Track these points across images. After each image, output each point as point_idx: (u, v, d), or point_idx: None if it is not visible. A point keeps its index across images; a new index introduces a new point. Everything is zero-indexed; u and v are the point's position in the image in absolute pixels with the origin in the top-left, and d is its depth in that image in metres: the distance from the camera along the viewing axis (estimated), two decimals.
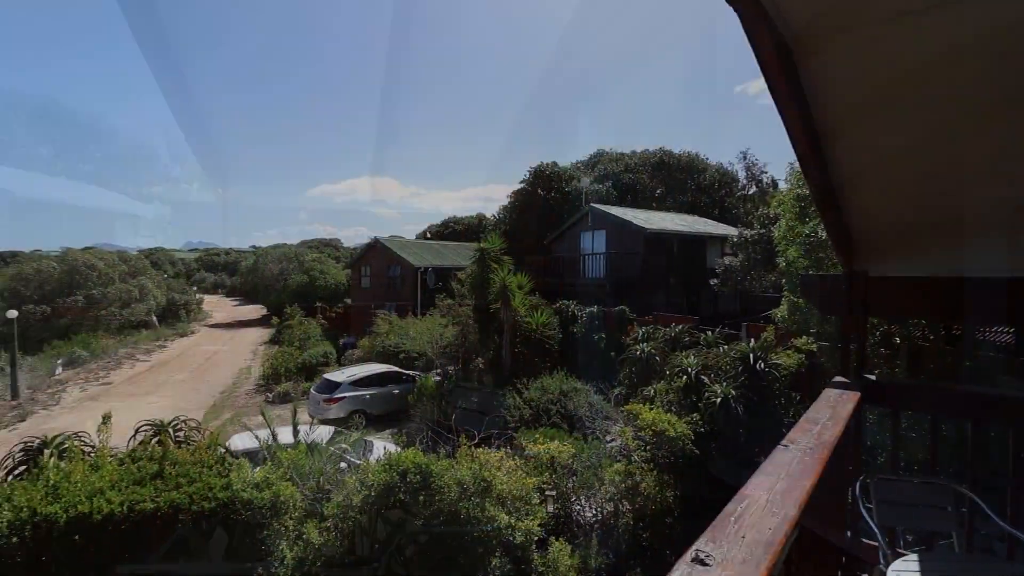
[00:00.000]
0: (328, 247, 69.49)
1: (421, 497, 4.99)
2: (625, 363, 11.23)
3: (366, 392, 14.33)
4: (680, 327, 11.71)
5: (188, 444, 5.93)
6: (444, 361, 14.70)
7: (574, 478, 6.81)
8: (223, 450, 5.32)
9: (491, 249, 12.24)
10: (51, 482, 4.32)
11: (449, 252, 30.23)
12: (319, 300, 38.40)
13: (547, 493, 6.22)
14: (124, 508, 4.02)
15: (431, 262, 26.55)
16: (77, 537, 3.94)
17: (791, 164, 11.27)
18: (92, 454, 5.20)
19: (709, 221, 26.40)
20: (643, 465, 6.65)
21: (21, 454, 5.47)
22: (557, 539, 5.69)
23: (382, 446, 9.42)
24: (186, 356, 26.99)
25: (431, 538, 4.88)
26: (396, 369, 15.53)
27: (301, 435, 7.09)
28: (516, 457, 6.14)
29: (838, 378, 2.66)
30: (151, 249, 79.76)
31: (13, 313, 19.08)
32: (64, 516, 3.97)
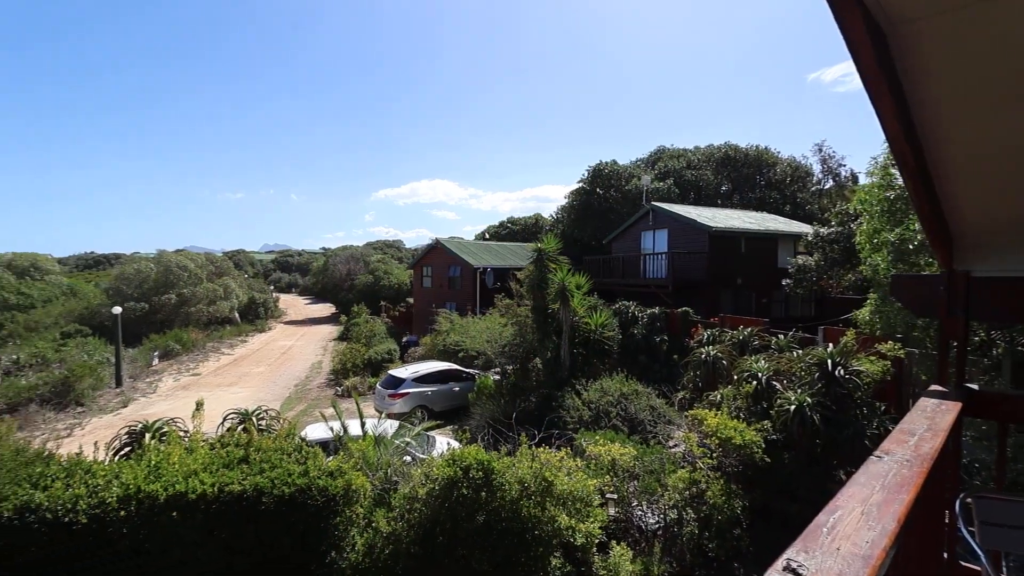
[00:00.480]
0: (391, 248, 72.04)
1: (483, 493, 5.07)
2: (689, 366, 10.87)
3: (428, 389, 14.75)
4: (749, 330, 11.17)
5: (269, 432, 6.37)
6: (503, 360, 14.84)
7: (635, 482, 6.67)
8: (300, 439, 5.66)
9: (549, 250, 12.22)
10: (152, 463, 4.79)
11: (507, 252, 30.47)
12: (383, 299, 39.92)
13: (608, 496, 6.13)
14: (215, 489, 4.37)
15: (489, 262, 26.87)
16: (175, 514, 4.34)
17: (874, 158, 10.42)
18: (187, 439, 5.71)
19: (780, 218, 24.98)
20: (709, 473, 6.41)
21: (127, 436, 6.10)
22: (618, 543, 5.61)
23: (444, 441, 9.67)
24: (264, 350, 28.92)
25: (492, 534, 4.95)
26: (457, 367, 15.88)
27: (369, 428, 7.41)
28: (576, 458, 6.11)
29: (935, 387, 2.45)
30: (233, 251, 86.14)
31: (117, 309, 21.24)
32: (164, 494, 4.38)
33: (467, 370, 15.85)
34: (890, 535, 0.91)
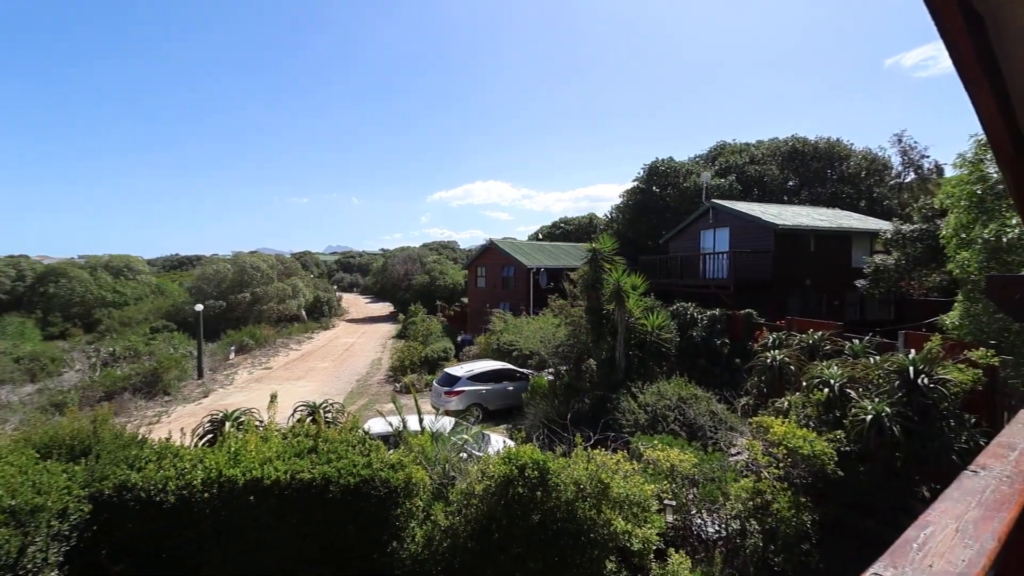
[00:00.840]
0: (446, 249, 73.37)
1: (538, 493, 5.10)
2: (753, 371, 10.40)
3: (483, 387, 14.95)
4: (820, 334, 10.55)
5: (335, 424, 6.70)
6: (557, 361, 14.81)
7: (695, 489, 6.47)
8: (363, 432, 5.92)
9: (604, 250, 12.07)
10: (232, 449, 5.16)
11: (560, 253, 30.34)
12: (439, 298, 40.82)
13: (666, 502, 5.99)
14: (288, 476, 4.66)
15: (543, 263, 26.87)
16: (252, 497, 4.65)
17: (960, 154, 9.52)
18: (262, 428, 6.11)
19: (854, 215, 23.36)
20: (775, 483, 6.11)
21: (209, 424, 6.61)
22: (676, 551, 5.47)
23: (499, 440, 9.79)
24: (328, 347, 30.36)
25: (547, 534, 4.96)
26: (511, 366, 16.00)
27: (427, 424, 7.63)
28: (633, 462, 6.00)
29: None
30: (300, 252, 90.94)
31: (199, 307, 22.98)
32: (242, 479, 4.71)
33: (521, 370, 15.94)
34: (989, 554, 0.85)
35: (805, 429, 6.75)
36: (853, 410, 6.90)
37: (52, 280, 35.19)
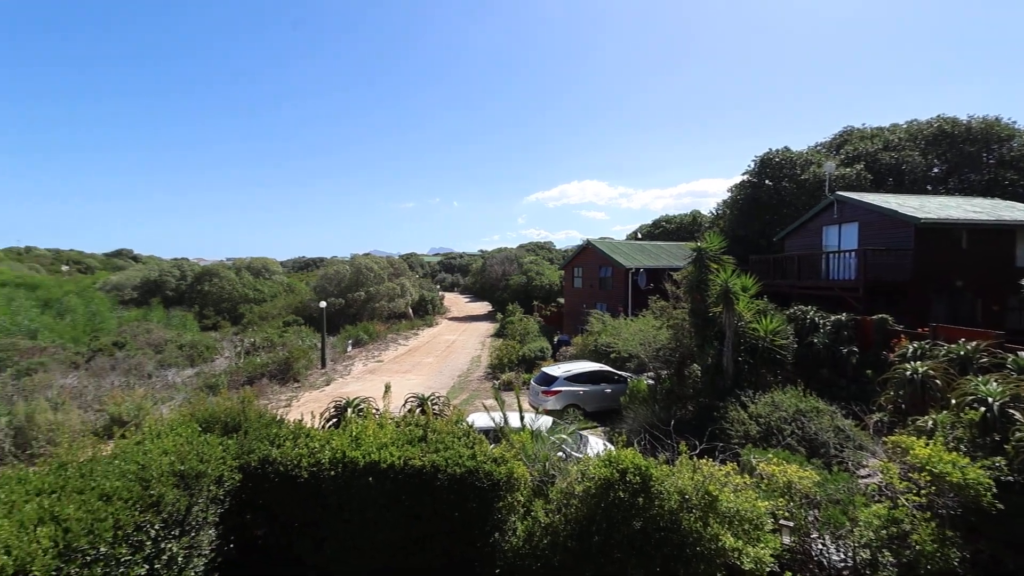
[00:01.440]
0: (542, 249, 73.92)
1: (640, 499, 4.99)
2: (888, 384, 9.26)
3: (580, 388, 14.90)
4: (974, 344, 9.13)
5: (441, 416, 7.11)
6: (657, 365, 14.32)
7: (815, 511, 5.92)
8: (467, 425, 6.21)
9: (710, 249, 11.42)
10: (353, 434, 5.68)
11: (661, 252, 29.24)
12: (535, 299, 41.29)
13: (782, 522, 5.55)
14: (401, 461, 5.04)
15: (642, 263, 26.09)
16: (371, 479, 5.09)
17: None
18: (378, 415, 6.65)
19: (1017, 205, 19.78)
20: (915, 512, 5.40)
21: (334, 410, 7.34)
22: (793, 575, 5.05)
23: (598, 442, 9.71)
24: (432, 343, 32.06)
25: (649, 543, 4.85)
26: (608, 368, 15.77)
27: (527, 421, 7.79)
28: (744, 475, 5.64)
29: None
30: (407, 254, 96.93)
31: (323, 304, 25.45)
32: (363, 461, 5.17)
33: (619, 372, 15.64)
34: None
35: (954, 453, 5.87)
36: (1017, 434, 5.88)
37: (207, 279, 41.04)
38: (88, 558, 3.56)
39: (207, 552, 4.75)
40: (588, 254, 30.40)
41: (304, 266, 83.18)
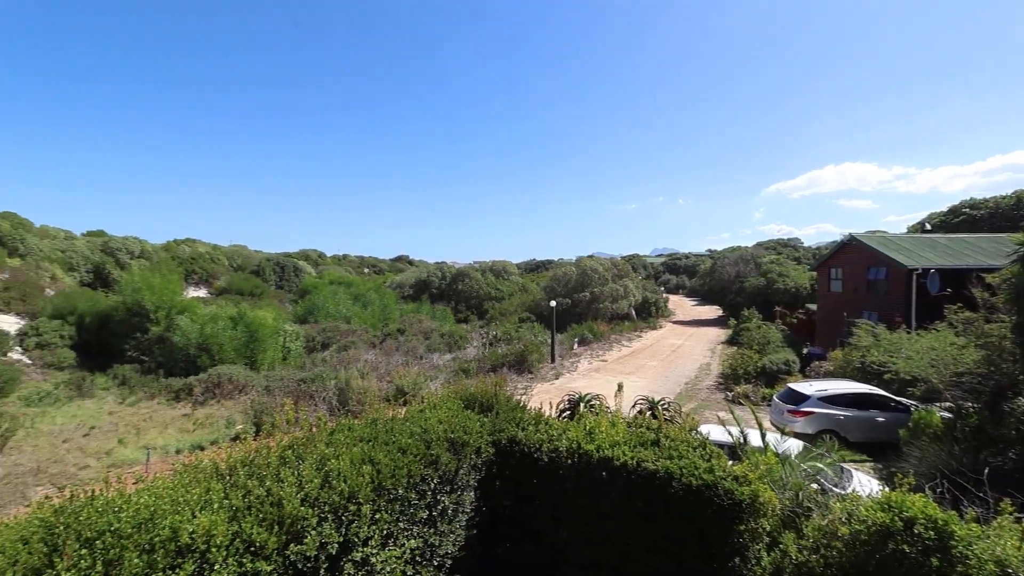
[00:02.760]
0: (786, 247, 65.23)
1: (933, 560, 3.99)
2: None
3: (840, 412, 12.62)
4: None
5: (672, 423, 6.91)
6: (958, 394, 11.13)
7: None
8: (703, 436, 5.90)
9: None
10: (587, 427, 5.97)
11: (963, 248, 22.66)
12: (777, 303, 36.57)
13: None
14: (634, 462, 5.09)
15: (932, 261, 20.62)
16: (604, 474, 5.28)
17: None
18: (610, 414, 6.84)
19: None
20: None
21: (567, 403, 7.82)
22: None
23: (867, 480, 8.11)
24: (656, 347, 31.24)
25: None
26: (881, 392, 12.96)
27: (770, 442, 6.98)
28: None
29: None
30: (629, 255, 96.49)
31: (553, 303, 27.25)
32: (596, 455, 5.39)
33: (897, 398, 12.70)
34: None
35: None
36: None
37: (460, 279, 48.21)
38: (391, 496, 4.58)
39: (468, 510, 5.63)
40: (851, 251, 25.39)
41: (535, 267, 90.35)
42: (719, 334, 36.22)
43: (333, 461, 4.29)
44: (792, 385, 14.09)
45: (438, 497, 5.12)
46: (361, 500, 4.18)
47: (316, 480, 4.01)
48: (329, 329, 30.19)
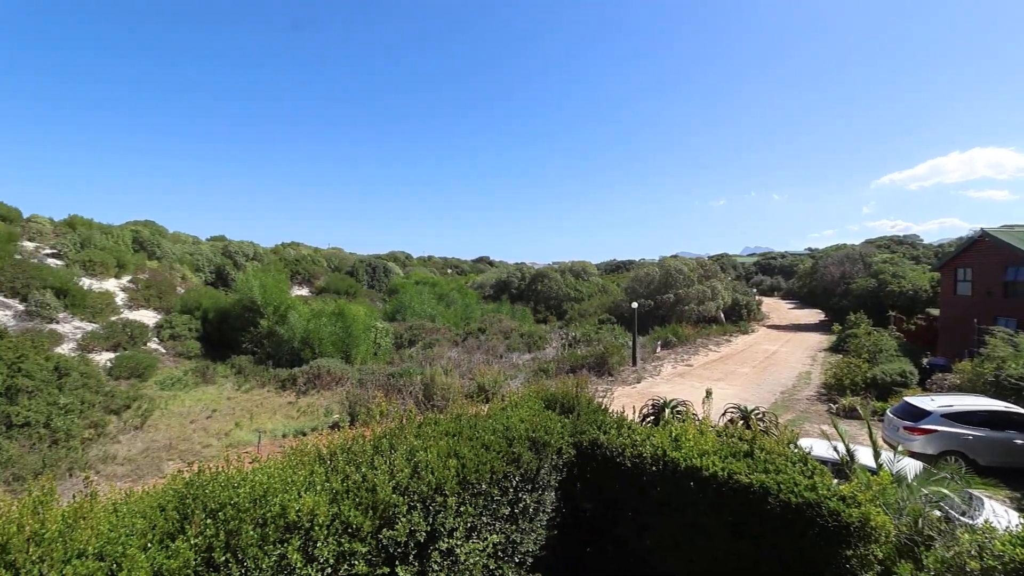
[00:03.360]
0: (901, 245, 58.75)
1: None
2: None
3: (968, 432, 11.12)
4: None
5: (767, 434, 6.46)
6: None
7: None
8: (804, 450, 5.45)
9: None
10: (673, 434, 5.74)
11: None
12: (891, 307, 33.01)
13: None
14: (725, 474, 4.81)
15: None
16: (692, 483, 5.05)
17: None
18: (697, 421, 6.54)
19: None
20: None
21: (651, 407, 7.58)
22: None
23: (1003, 510, 7.08)
24: (747, 352, 29.36)
25: None
26: (1021, 411, 11.23)
27: (884, 462, 6.31)
28: None
29: None
30: (717, 255, 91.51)
31: (635, 304, 26.53)
32: (683, 463, 5.17)
33: None
34: None
35: None
36: None
37: (539, 280, 48.39)
38: (475, 490, 4.70)
39: (549, 510, 5.64)
40: (983, 249, 22.27)
41: (615, 268, 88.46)
42: (820, 340, 33.29)
43: (421, 453, 4.49)
44: (909, 399, 12.60)
45: (520, 495, 5.18)
46: (447, 492, 4.33)
47: (406, 470, 4.22)
48: (415, 327, 31.61)
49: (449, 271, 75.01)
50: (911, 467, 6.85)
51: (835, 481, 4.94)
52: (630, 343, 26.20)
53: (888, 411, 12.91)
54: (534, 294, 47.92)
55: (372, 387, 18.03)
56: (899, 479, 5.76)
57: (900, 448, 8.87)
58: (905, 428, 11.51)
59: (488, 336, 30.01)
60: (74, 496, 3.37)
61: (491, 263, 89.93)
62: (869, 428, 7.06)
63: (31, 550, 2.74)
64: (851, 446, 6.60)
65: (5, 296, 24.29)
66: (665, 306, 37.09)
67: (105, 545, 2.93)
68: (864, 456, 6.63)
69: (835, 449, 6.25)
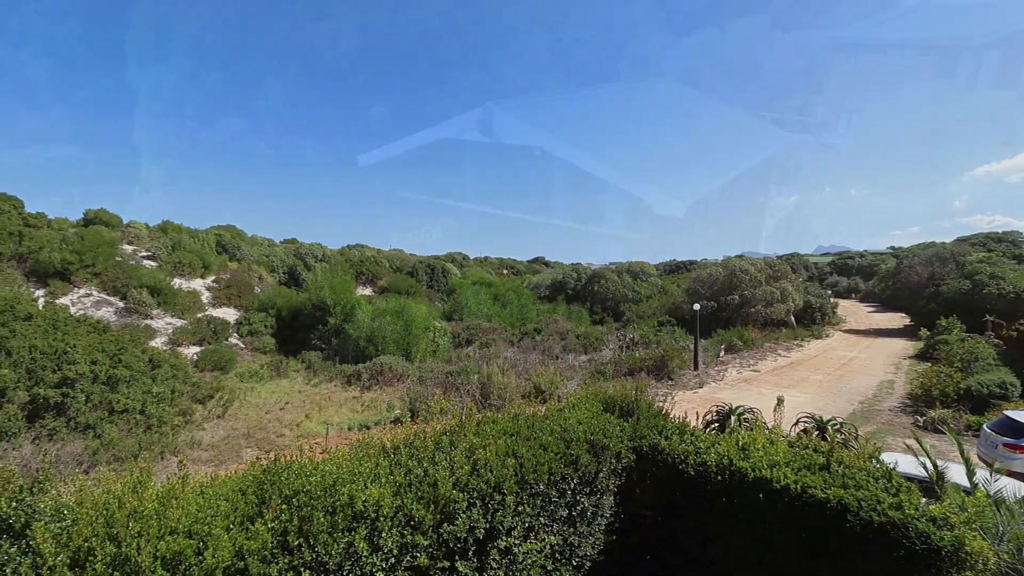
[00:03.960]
0: (1001, 243, 53.12)
1: None
2: None
3: None
4: None
5: (846, 447, 6.03)
6: None
7: None
8: (887, 465, 5.04)
9: None
10: (741, 443, 5.49)
11: None
12: (989, 312, 29.88)
13: None
14: (798, 487, 4.53)
15: None
16: (761, 495, 4.80)
17: None
18: (767, 430, 6.22)
19: None
20: None
21: (715, 414, 7.28)
22: None
23: None
24: (821, 358, 27.56)
25: None
26: None
27: (979, 481, 5.73)
28: None
29: None
30: (787, 254, 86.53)
31: (697, 306, 25.59)
32: (752, 474, 4.92)
33: None
34: None
35: None
36: None
37: (596, 281, 47.74)
38: (533, 490, 4.70)
39: (607, 515, 5.55)
40: None
41: (675, 269, 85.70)
42: (905, 346, 30.67)
43: (480, 451, 4.56)
44: (1011, 413, 11.35)
45: (577, 497, 5.14)
46: (506, 491, 4.37)
47: (466, 467, 4.30)
48: (472, 327, 32.11)
49: (505, 272, 75.65)
50: (1011, 488, 6.19)
51: (923, 500, 4.55)
52: (691, 346, 25.30)
53: (985, 426, 11.70)
54: (590, 295, 47.33)
55: (431, 384, 18.50)
56: (998, 501, 5.21)
57: (998, 466, 8.02)
58: (1005, 445, 10.37)
59: (544, 337, 29.97)
60: (168, 478, 3.69)
61: (546, 263, 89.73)
62: (959, 444, 6.43)
63: (131, 525, 3.03)
64: (941, 463, 6.03)
65: (108, 294, 27.09)
66: (729, 308, 35.50)
67: (193, 524, 3.20)
68: (956, 474, 6.04)
69: (923, 466, 5.74)
